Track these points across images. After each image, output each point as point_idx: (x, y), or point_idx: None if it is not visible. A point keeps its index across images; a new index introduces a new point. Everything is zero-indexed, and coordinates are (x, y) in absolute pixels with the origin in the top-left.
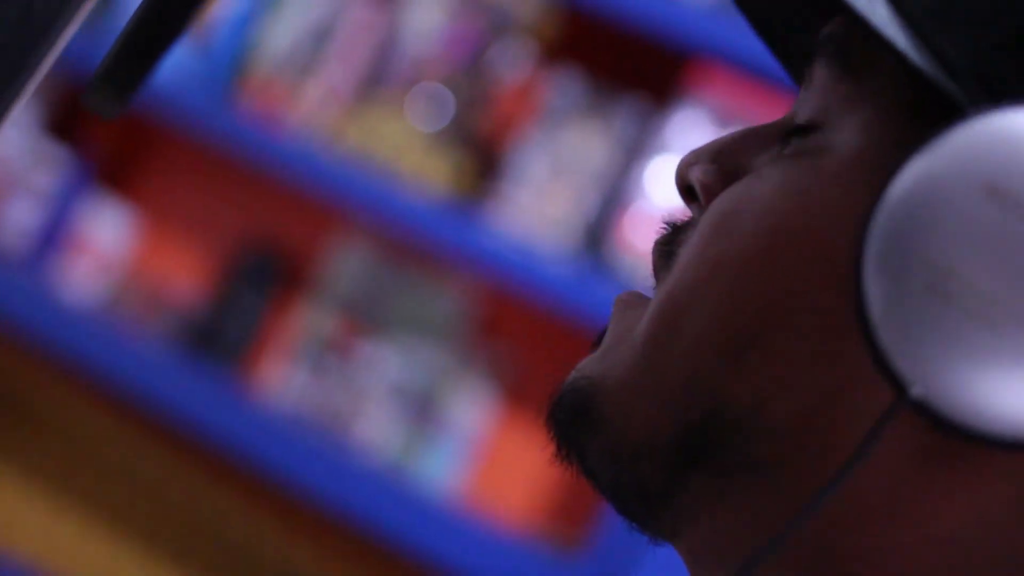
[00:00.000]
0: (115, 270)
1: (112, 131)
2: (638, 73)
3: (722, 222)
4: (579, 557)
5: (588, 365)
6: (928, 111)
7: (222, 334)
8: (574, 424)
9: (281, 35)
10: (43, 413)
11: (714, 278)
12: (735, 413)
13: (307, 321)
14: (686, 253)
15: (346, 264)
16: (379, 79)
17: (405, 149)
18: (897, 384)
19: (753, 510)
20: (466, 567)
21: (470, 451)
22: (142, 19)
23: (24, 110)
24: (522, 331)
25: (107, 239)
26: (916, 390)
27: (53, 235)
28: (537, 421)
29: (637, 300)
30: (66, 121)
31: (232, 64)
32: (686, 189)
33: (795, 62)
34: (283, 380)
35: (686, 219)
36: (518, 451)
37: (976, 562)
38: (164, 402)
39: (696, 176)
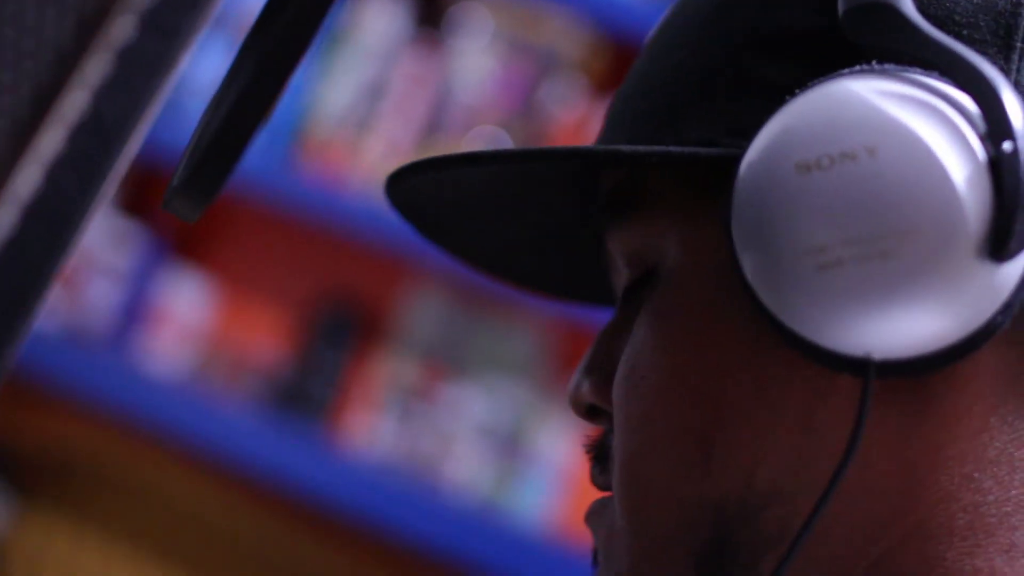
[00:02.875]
0: (197, 339)
1: None
2: None
3: (628, 391)
4: None
5: None
6: (711, 181)
7: (307, 391)
8: None
9: (337, 95)
10: (142, 485)
11: (649, 427)
12: (731, 507)
13: (389, 370)
14: (619, 438)
15: (422, 311)
16: (436, 128)
17: None
18: (858, 366)
19: (794, 569)
20: None
21: (560, 483)
22: (215, 128)
23: None
24: None
25: (187, 310)
26: (876, 356)
27: (134, 311)
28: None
29: (602, 504)
30: (138, 198)
31: (292, 128)
32: (587, 411)
33: (589, 287)
34: (371, 430)
35: (598, 437)
36: None
37: (1006, 483)
38: (257, 464)
39: (586, 395)
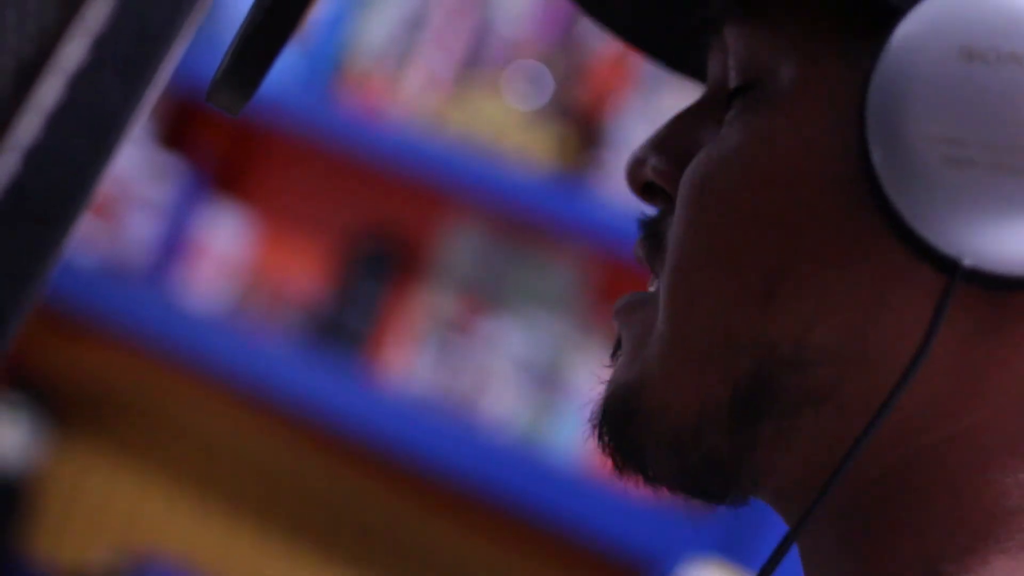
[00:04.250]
0: (236, 272)
1: (222, 137)
2: None
3: (702, 192)
4: (711, 516)
5: (619, 374)
6: (851, 18)
7: (345, 324)
8: (625, 432)
9: (377, 28)
10: (180, 418)
11: (716, 238)
12: (783, 351)
13: (427, 304)
14: (676, 233)
15: (460, 245)
16: (476, 62)
17: (507, 128)
18: (948, 264)
19: (829, 435)
20: (601, 531)
21: None
22: (259, 17)
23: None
24: None
25: (226, 243)
26: (967, 261)
27: (173, 244)
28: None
29: (639, 300)
30: (177, 131)
31: (332, 61)
32: (643, 188)
33: (679, 56)
34: (409, 364)
35: (655, 214)
36: None
37: None
38: (295, 396)
39: (649, 172)
